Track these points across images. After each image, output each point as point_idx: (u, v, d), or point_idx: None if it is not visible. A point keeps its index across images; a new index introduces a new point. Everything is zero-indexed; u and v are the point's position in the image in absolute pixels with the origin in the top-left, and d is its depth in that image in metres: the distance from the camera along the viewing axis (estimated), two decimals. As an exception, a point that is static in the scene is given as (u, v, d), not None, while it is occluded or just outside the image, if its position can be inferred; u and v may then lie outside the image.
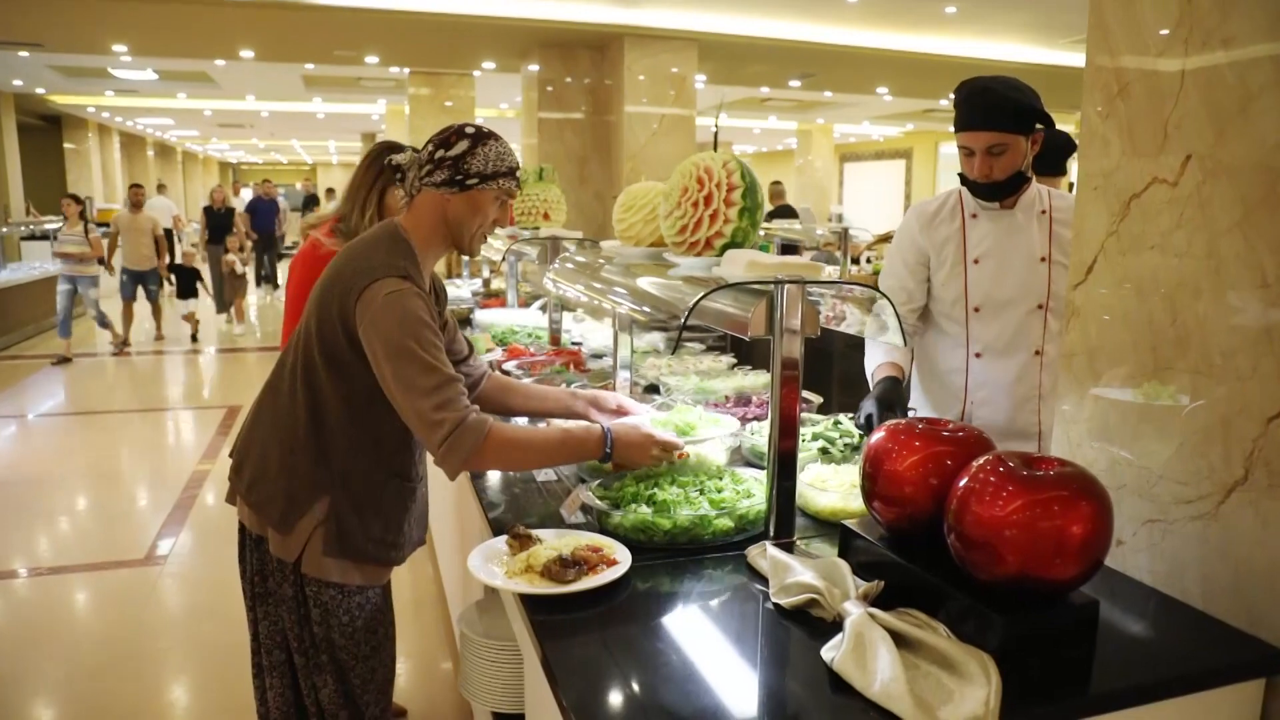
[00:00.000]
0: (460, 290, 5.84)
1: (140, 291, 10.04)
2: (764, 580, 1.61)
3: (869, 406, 2.24)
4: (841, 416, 2.37)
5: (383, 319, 1.68)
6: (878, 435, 1.62)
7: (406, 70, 10.52)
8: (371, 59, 9.57)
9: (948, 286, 2.46)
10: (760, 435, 2.25)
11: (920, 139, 19.73)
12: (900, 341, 1.78)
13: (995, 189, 2.32)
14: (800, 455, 2.05)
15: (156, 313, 10.57)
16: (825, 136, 18.77)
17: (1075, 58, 8.79)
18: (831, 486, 1.93)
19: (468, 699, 2.12)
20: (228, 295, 11.15)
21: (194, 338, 10.53)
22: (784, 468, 1.80)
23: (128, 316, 10.01)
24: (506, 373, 3.24)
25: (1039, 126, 2.31)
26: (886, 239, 7.46)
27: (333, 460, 1.81)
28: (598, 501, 1.78)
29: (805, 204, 14.32)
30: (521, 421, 2.32)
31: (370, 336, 1.70)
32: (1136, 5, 1.60)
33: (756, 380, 2.92)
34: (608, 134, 8.31)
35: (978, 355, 2.44)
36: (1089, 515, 1.29)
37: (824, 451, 2.20)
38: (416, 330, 1.68)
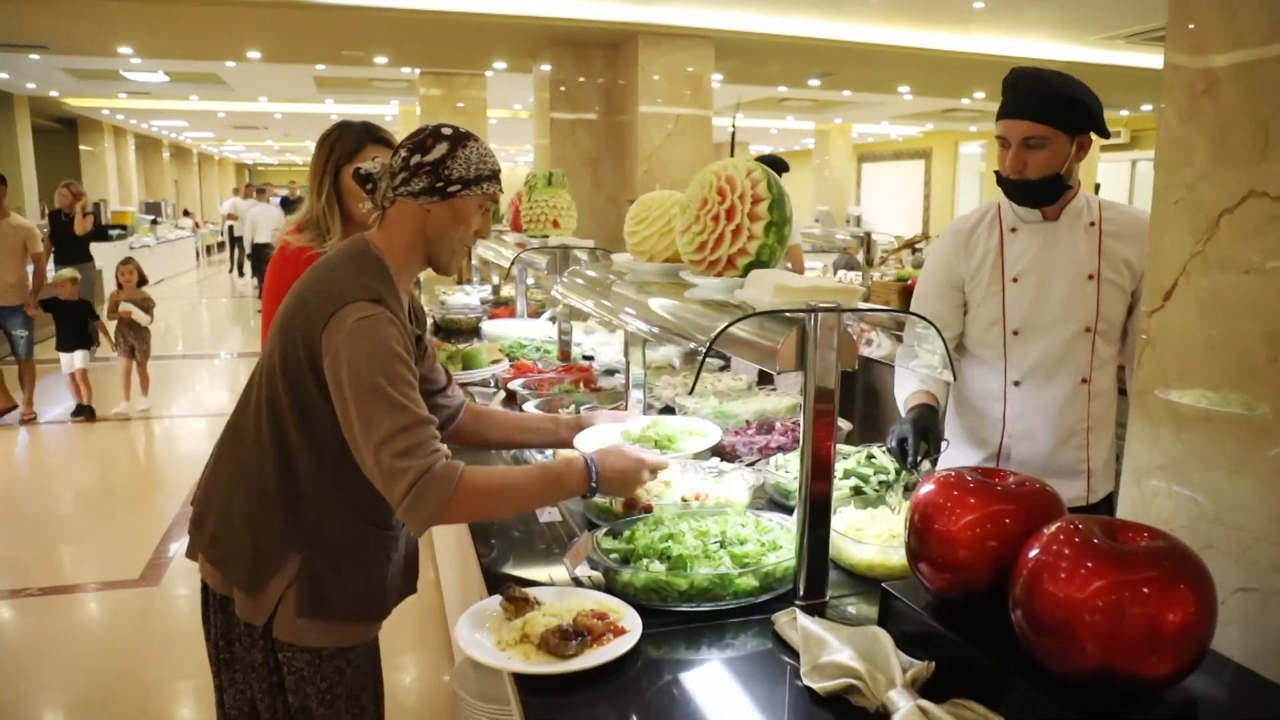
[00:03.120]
0: (470, 298, 5.65)
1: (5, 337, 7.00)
2: (794, 649, 1.40)
3: (904, 430, 2.01)
4: (875, 449, 2.16)
5: (349, 349, 1.49)
6: (926, 488, 1.41)
7: (418, 71, 10.37)
8: (381, 59, 9.40)
9: (984, 307, 2.22)
10: (787, 471, 2.05)
11: (940, 139, 19.42)
12: (948, 376, 1.57)
13: (1029, 190, 2.07)
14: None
15: (26, 374, 6.96)
16: (843, 136, 18.50)
17: (1108, 54, 8.52)
18: (868, 537, 1.72)
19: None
20: (121, 349, 7.18)
21: (83, 410, 6.99)
22: (816, 516, 1.59)
23: None
24: (511, 393, 3.06)
25: (1093, 135, 2.08)
26: (910, 244, 7.22)
27: (304, 511, 1.62)
28: (606, 558, 1.58)
29: (824, 206, 14.10)
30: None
31: (335, 369, 1.50)
32: (1227, -9, 1.38)
33: (780, 403, 2.71)
34: (621, 135, 8.11)
35: (1016, 384, 2.20)
36: (1189, 601, 1.08)
37: (857, 491, 1.99)
38: (387, 363, 1.50)
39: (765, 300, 1.56)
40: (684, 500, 1.88)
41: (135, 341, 7.17)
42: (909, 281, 6.11)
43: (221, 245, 19.90)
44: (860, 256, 7.57)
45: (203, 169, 28.26)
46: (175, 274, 17.74)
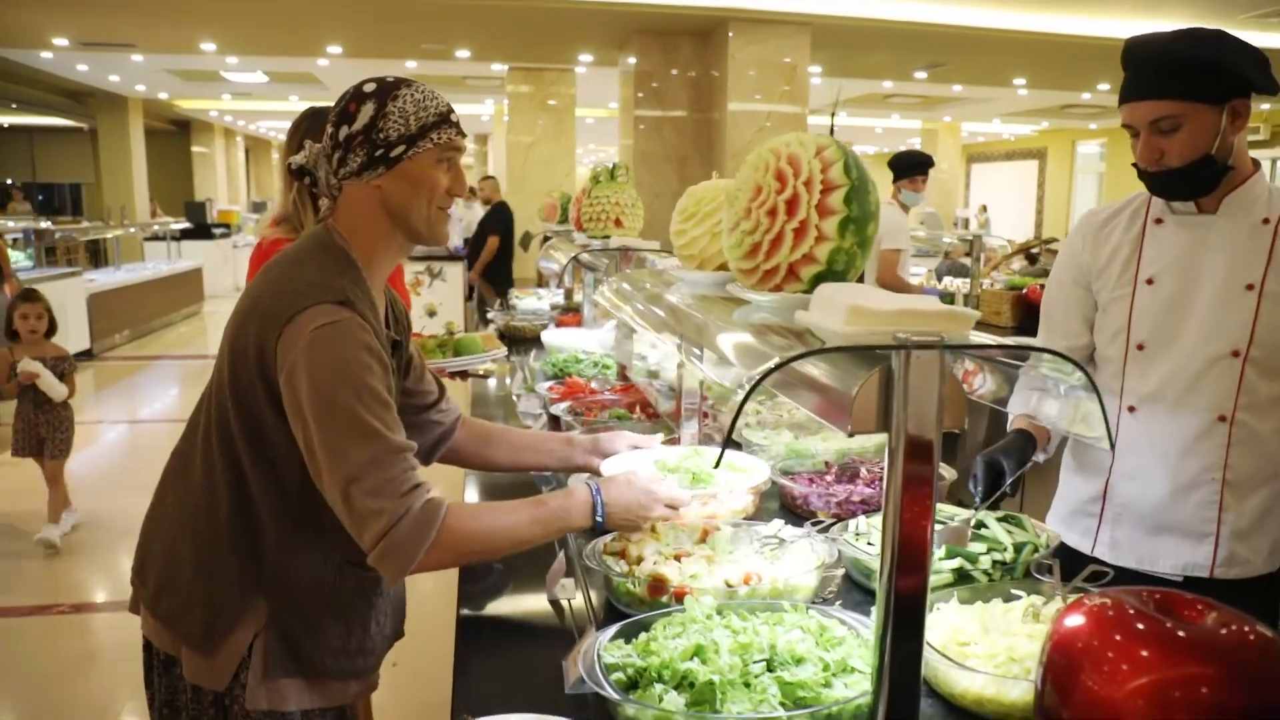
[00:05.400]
0: (541, 302, 5.30)
1: None
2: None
3: (978, 463, 1.73)
4: (989, 516, 1.67)
5: (309, 363, 1.27)
6: (1075, 619, 0.94)
7: (507, 67, 10.14)
8: (462, 53, 9.19)
9: (1109, 313, 1.81)
10: (870, 542, 1.58)
11: (1056, 138, 18.26)
12: (1104, 443, 1.09)
13: (1175, 180, 1.65)
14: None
15: None
16: (952, 135, 17.58)
17: (1256, 36, 7.61)
18: (978, 655, 1.24)
19: None
20: (20, 442, 4.31)
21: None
22: (903, 625, 1.13)
23: None
24: (555, 418, 2.66)
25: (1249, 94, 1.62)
26: (1025, 249, 6.55)
27: (265, 553, 1.37)
28: (604, 682, 1.15)
29: (929, 208, 13.38)
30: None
31: (294, 386, 1.27)
32: None
33: (868, 442, 2.23)
34: (710, 132, 7.66)
35: (1131, 409, 1.76)
36: None
37: (962, 576, 1.51)
38: (355, 378, 1.27)
39: (836, 329, 1.11)
40: (728, 585, 1.43)
41: (45, 430, 4.27)
42: (1024, 290, 5.48)
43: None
44: (965, 258, 6.93)
45: (310, 170, 29.06)
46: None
